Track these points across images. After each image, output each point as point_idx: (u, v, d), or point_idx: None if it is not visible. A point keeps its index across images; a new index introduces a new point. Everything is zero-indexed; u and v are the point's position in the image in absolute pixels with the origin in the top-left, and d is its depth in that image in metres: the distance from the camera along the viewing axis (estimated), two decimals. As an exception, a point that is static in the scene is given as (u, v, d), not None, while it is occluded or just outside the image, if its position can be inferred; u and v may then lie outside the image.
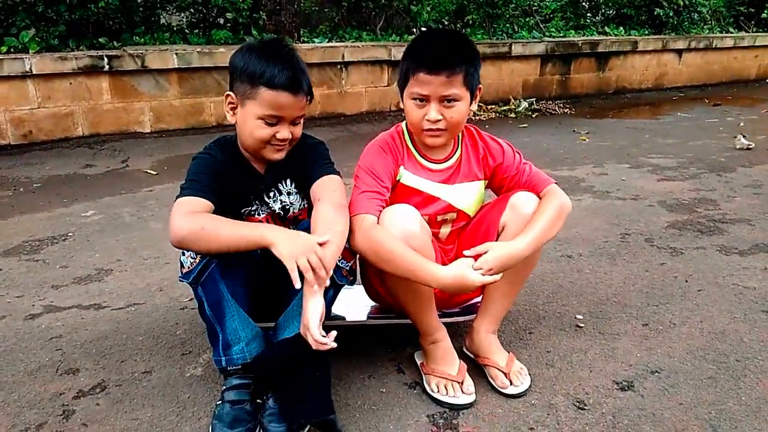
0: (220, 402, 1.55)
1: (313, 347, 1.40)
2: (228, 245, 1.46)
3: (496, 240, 1.69)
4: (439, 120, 1.60)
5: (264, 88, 1.54)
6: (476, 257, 1.53)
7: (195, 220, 1.46)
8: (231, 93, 1.62)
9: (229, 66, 1.63)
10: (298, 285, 1.38)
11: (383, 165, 1.66)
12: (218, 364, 1.58)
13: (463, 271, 1.48)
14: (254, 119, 1.58)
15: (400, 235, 1.52)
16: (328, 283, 1.45)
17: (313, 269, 1.39)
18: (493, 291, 1.75)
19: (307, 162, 1.70)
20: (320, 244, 1.43)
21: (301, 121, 1.64)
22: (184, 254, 1.55)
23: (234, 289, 1.57)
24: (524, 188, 1.72)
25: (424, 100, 1.59)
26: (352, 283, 1.71)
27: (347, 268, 1.62)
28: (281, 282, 1.66)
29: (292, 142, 1.65)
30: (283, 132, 1.60)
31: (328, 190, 1.61)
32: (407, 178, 1.72)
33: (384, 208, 1.61)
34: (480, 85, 1.66)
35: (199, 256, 1.51)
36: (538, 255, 1.73)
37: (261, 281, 1.73)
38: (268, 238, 1.43)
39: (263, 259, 1.71)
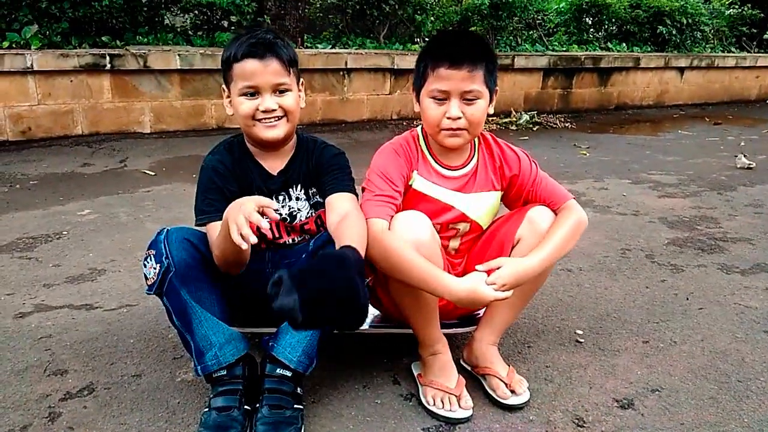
0: (207, 409, 1.51)
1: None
2: (224, 249, 1.49)
3: (510, 253, 1.66)
4: (460, 117, 1.54)
5: (234, 64, 1.56)
6: (489, 272, 1.50)
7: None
8: (224, 86, 1.65)
9: None
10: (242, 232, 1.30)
11: (396, 168, 1.61)
12: (196, 373, 1.54)
13: (477, 285, 1.46)
14: (236, 99, 1.59)
15: (409, 242, 1.49)
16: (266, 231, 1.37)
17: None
18: (500, 302, 1.71)
19: (324, 171, 1.67)
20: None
21: (291, 92, 1.60)
22: (146, 266, 1.53)
23: (199, 295, 1.52)
24: (541, 202, 1.69)
25: (443, 97, 1.55)
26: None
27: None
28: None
29: (289, 117, 1.61)
30: (266, 102, 1.56)
31: (346, 210, 1.55)
32: (420, 183, 1.66)
33: (395, 213, 1.56)
34: (497, 88, 1.63)
35: (158, 264, 1.50)
36: (550, 269, 1.70)
37: (257, 288, 1.70)
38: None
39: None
